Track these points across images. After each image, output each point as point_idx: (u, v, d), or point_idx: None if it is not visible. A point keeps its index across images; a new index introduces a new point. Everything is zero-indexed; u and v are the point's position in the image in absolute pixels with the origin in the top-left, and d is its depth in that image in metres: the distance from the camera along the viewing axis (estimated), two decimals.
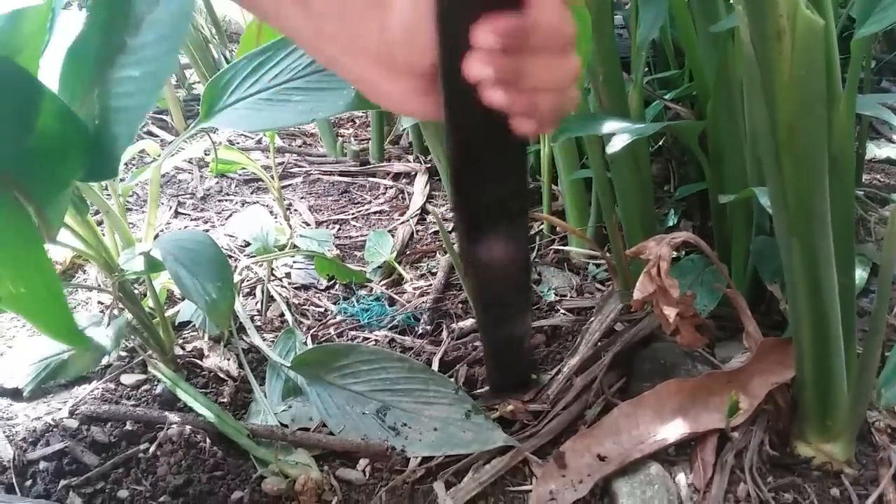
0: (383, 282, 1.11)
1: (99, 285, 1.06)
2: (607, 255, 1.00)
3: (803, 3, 0.52)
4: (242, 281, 1.09)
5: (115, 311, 0.83)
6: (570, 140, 1.06)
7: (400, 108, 0.36)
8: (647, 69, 1.17)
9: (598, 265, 1.07)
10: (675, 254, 0.86)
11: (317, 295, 1.09)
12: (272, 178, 1.24)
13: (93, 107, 0.59)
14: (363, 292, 1.09)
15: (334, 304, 1.06)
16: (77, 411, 0.81)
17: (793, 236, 0.61)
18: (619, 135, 0.71)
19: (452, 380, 0.83)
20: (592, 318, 0.85)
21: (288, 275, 1.14)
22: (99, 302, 1.05)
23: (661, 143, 1.21)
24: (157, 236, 0.93)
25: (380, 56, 0.34)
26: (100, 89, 0.59)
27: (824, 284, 0.62)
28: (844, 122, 0.63)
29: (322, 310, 1.05)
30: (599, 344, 0.83)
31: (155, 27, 0.53)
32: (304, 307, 1.06)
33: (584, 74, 0.82)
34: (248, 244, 1.20)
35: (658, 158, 1.27)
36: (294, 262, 1.15)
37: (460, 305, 1.01)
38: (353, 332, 0.98)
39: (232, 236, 1.24)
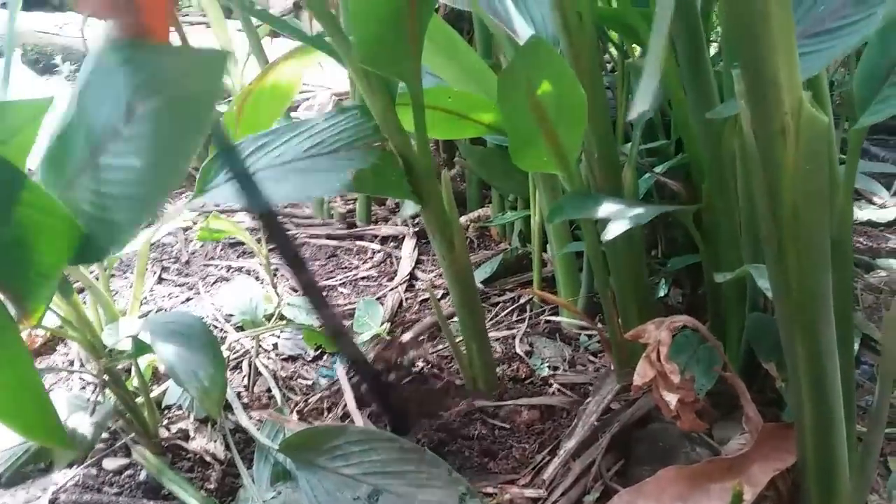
0: (372, 347, 1.09)
1: (81, 362, 1.03)
2: (600, 327, 0.99)
3: (807, 100, 0.52)
4: (229, 355, 1.06)
5: (100, 398, 0.80)
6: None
7: None
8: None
9: (589, 336, 1.07)
10: None
11: (304, 367, 1.07)
12: (259, 242, 1.23)
13: (84, 192, 0.58)
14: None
15: (317, 373, 1.04)
16: (57, 501, 0.78)
17: (795, 326, 0.60)
18: (615, 221, 0.71)
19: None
20: (589, 399, 0.84)
21: (275, 346, 1.11)
22: (80, 377, 1.02)
23: None
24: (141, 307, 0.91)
25: None
26: (94, 174, 0.57)
27: (827, 372, 0.62)
28: (844, 206, 0.64)
29: (310, 383, 1.03)
30: (596, 425, 0.81)
31: (152, 118, 0.52)
32: (291, 381, 1.03)
33: (579, 153, 0.82)
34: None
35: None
36: (281, 331, 1.13)
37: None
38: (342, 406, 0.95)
39: (218, 309, 1.22)
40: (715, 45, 1.25)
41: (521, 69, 0.67)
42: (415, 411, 0.89)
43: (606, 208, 0.73)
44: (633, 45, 1.13)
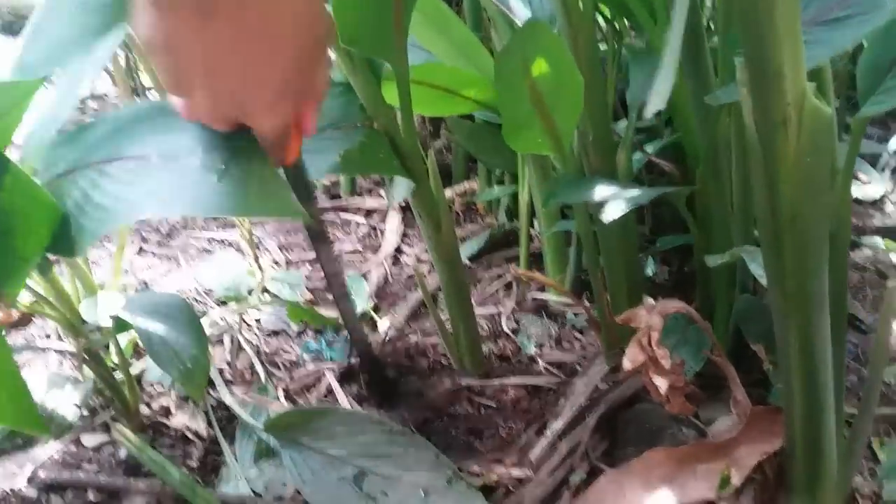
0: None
1: (59, 335, 1.01)
2: (588, 305, 0.98)
3: (811, 91, 0.51)
4: (212, 331, 1.05)
5: (79, 375, 0.79)
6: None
7: None
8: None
9: (576, 314, 1.06)
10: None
11: (288, 342, 1.06)
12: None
13: (77, 189, 0.55)
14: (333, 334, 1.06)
15: (301, 349, 1.03)
16: (36, 478, 0.77)
17: (789, 317, 0.60)
18: (611, 203, 0.70)
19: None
20: (577, 380, 0.84)
21: (258, 320, 1.10)
22: (57, 351, 1.00)
23: None
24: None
25: None
26: (93, 176, 0.55)
27: (820, 365, 0.61)
28: (842, 195, 0.63)
29: (294, 358, 1.02)
30: (584, 405, 0.81)
31: (158, 147, 0.50)
32: (274, 356, 1.02)
33: (575, 135, 0.81)
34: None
35: None
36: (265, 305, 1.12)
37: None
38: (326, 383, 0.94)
39: (200, 283, 1.20)
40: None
41: (518, 51, 0.65)
42: (404, 390, 0.89)
43: (601, 191, 0.72)
44: (625, 22, 1.11)
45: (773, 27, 0.48)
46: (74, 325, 0.79)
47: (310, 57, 0.47)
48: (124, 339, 0.89)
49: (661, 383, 0.68)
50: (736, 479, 0.69)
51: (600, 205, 0.75)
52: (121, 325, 0.76)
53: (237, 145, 0.51)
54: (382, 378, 0.92)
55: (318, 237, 0.75)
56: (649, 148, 1.00)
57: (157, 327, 0.70)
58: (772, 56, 0.50)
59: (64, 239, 0.55)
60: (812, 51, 0.56)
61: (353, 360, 0.96)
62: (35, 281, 0.79)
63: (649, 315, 0.70)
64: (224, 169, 0.49)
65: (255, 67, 0.44)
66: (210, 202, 0.49)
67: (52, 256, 0.59)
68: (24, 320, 1.09)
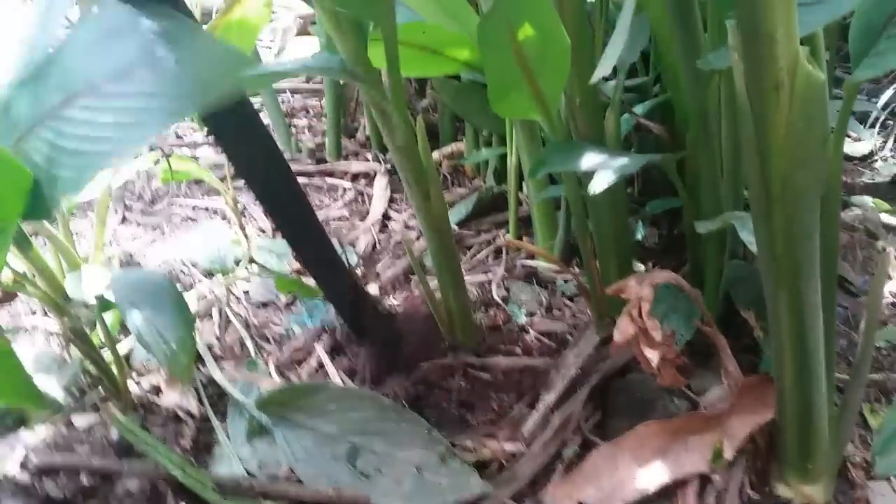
0: None
1: (45, 310, 1.00)
2: (577, 271, 0.97)
3: (804, 56, 0.49)
4: (199, 306, 1.04)
5: (66, 356, 0.78)
6: (538, 149, 1.03)
7: None
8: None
9: (566, 280, 1.05)
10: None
11: (277, 313, 1.05)
12: (225, 181, 1.18)
13: (42, 143, 0.53)
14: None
15: (291, 321, 1.02)
16: (28, 462, 0.76)
17: (779, 285, 0.59)
18: (601, 172, 0.68)
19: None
20: (568, 351, 0.83)
21: (246, 292, 1.09)
22: (43, 330, 0.99)
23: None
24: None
25: None
26: (54, 126, 0.53)
27: (810, 333, 0.61)
28: (833, 159, 0.62)
29: (283, 331, 1.01)
30: (575, 376, 0.81)
31: (141, 82, 0.47)
32: (264, 329, 1.01)
33: (562, 100, 0.79)
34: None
35: None
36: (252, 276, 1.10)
37: None
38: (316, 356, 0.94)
39: (184, 255, 1.18)
40: None
41: (503, 13, 0.62)
42: (394, 361, 0.88)
43: (590, 159, 0.71)
44: None
45: None
46: (58, 303, 0.77)
47: None
48: (110, 315, 0.88)
49: (653, 355, 0.68)
50: (728, 452, 0.69)
51: (589, 173, 0.74)
52: (105, 304, 0.75)
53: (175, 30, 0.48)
54: (377, 317, 0.90)
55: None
56: (638, 109, 0.98)
57: (141, 308, 0.69)
58: (764, 20, 0.48)
59: (38, 201, 0.53)
60: (806, 15, 0.54)
61: (339, 322, 0.95)
62: (16, 256, 0.77)
63: (639, 286, 0.69)
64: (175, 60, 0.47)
65: None
66: (175, 106, 0.46)
67: (29, 228, 0.57)
68: (8, 297, 1.07)
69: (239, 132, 0.68)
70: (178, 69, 0.46)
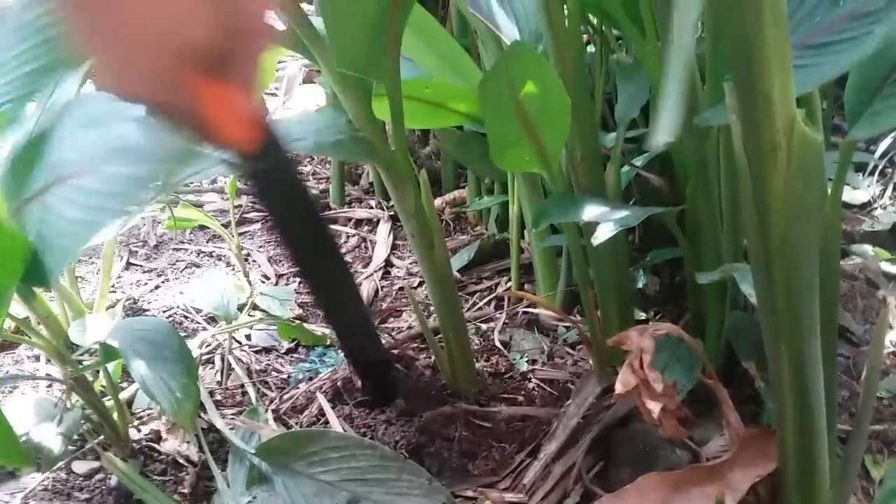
0: None
1: (48, 358, 1.00)
2: (578, 319, 0.98)
3: (800, 117, 0.51)
4: (201, 352, 1.04)
5: (68, 404, 0.78)
6: (540, 198, 1.04)
7: None
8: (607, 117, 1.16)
9: (567, 328, 1.06)
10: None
11: (279, 359, 1.05)
12: (230, 227, 1.19)
13: (39, 213, 0.55)
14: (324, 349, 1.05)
15: (294, 369, 1.02)
16: None
17: (780, 337, 0.60)
18: (602, 224, 0.69)
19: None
20: (570, 402, 0.83)
21: (248, 336, 1.09)
22: (47, 375, 0.99)
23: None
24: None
25: None
26: (54, 195, 0.54)
27: (811, 385, 0.61)
28: (831, 213, 0.63)
29: (285, 376, 1.01)
30: (577, 425, 0.81)
31: (127, 160, 0.49)
32: (265, 375, 1.01)
33: (563, 153, 0.80)
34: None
35: None
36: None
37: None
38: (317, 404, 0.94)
39: (189, 300, 1.19)
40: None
41: (505, 72, 0.64)
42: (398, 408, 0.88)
43: (591, 211, 0.72)
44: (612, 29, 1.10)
45: (763, 55, 0.48)
46: (61, 352, 0.78)
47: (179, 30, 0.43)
48: (112, 363, 0.88)
49: (654, 406, 0.68)
50: (730, 502, 0.69)
51: (591, 224, 0.75)
52: (108, 353, 0.75)
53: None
54: (389, 378, 0.90)
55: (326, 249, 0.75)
56: (638, 161, 0.99)
57: (145, 357, 0.69)
58: (761, 83, 0.49)
59: (36, 270, 0.54)
60: (801, 76, 0.55)
61: (350, 371, 0.95)
62: (20, 304, 0.78)
63: (640, 337, 0.69)
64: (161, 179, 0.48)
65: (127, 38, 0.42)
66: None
67: None
68: (10, 345, 1.07)
69: (282, 195, 0.68)
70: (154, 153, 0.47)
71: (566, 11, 0.75)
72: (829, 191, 0.62)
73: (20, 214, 0.54)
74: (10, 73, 0.60)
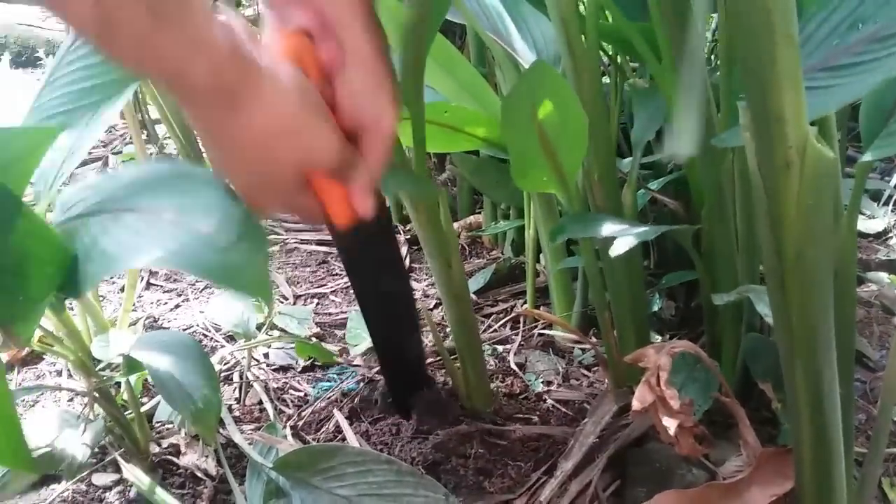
0: (363, 358, 1.08)
1: (70, 372, 1.02)
2: (595, 341, 0.99)
3: (813, 135, 0.52)
4: (220, 368, 1.05)
5: (91, 415, 0.79)
6: (556, 222, 1.05)
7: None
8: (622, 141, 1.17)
9: (583, 350, 1.06)
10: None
11: (296, 378, 1.06)
12: None
13: (84, 230, 0.56)
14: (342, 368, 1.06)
15: (313, 387, 1.03)
16: None
17: (796, 358, 0.60)
18: (620, 238, 0.70)
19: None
20: (586, 420, 0.84)
21: (266, 355, 1.10)
22: (69, 389, 1.00)
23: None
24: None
25: None
26: (99, 220, 0.56)
27: (828, 405, 0.62)
28: (847, 235, 0.63)
29: (302, 394, 1.02)
30: (593, 444, 0.81)
31: (175, 205, 0.51)
32: (283, 392, 1.02)
33: (579, 174, 0.82)
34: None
35: None
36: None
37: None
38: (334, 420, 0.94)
39: (209, 318, 1.21)
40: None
41: (525, 93, 0.66)
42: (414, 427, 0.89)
43: (609, 228, 0.73)
44: (627, 58, 1.12)
45: (775, 74, 0.49)
46: (85, 363, 0.79)
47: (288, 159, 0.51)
48: (134, 376, 0.90)
49: (671, 424, 0.68)
50: None
51: (607, 241, 0.76)
52: (131, 365, 0.76)
53: (252, 224, 0.52)
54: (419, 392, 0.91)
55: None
56: (653, 185, 1.01)
57: (168, 367, 0.70)
58: (773, 102, 0.50)
59: (72, 280, 0.56)
60: (819, 98, 0.56)
61: (367, 385, 0.95)
62: (47, 318, 0.80)
63: (657, 355, 0.70)
64: (235, 242, 0.49)
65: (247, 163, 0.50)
66: (209, 267, 0.49)
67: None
68: (34, 356, 1.09)
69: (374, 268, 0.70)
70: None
71: (584, 38, 0.77)
72: (846, 213, 0.63)
73: (65, 228, 0.56)
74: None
